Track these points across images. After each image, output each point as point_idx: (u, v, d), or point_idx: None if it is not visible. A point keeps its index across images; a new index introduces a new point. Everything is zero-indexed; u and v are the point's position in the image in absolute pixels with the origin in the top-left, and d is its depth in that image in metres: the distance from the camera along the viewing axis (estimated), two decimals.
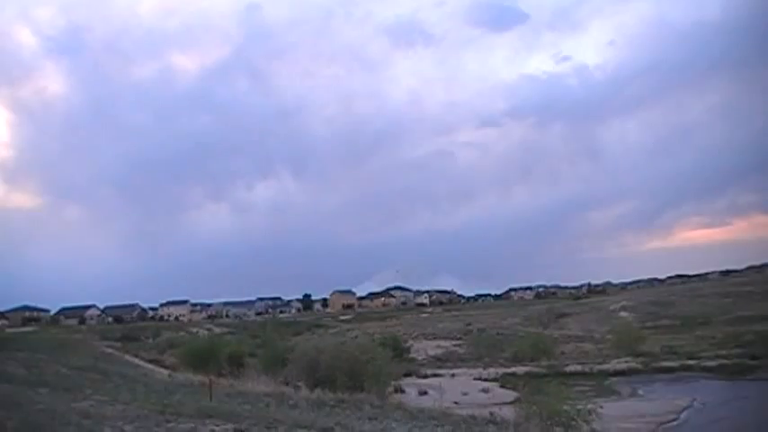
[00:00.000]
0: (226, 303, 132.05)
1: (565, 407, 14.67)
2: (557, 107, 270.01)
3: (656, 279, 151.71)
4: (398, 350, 37.47)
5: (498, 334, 57.11)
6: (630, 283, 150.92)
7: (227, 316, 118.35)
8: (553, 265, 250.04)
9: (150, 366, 30.34)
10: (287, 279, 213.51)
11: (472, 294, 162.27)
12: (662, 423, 19.17)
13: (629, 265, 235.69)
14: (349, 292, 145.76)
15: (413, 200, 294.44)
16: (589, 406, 15.10)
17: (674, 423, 20.01)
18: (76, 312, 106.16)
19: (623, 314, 69.84)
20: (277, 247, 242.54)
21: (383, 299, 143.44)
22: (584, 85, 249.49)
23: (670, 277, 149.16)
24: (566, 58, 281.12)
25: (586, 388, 27.52)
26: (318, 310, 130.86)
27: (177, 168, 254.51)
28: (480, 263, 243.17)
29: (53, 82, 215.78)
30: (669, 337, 47.22)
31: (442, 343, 55.45)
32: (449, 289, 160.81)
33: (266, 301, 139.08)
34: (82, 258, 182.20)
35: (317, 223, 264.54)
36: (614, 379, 31.87)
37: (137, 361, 33.12)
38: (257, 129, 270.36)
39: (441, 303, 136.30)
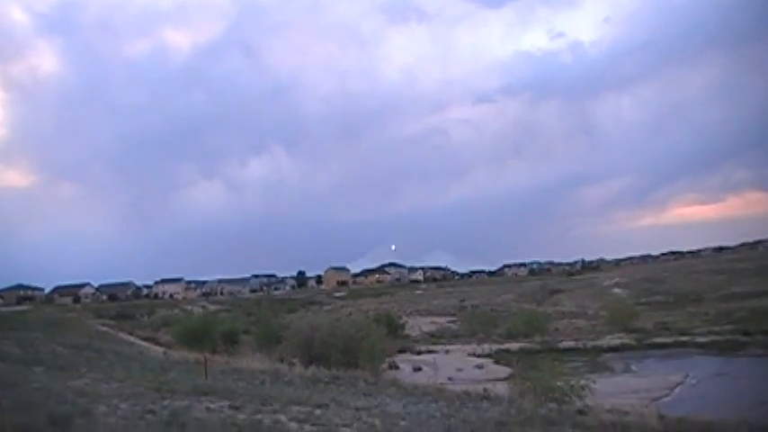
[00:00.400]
0: (220, 281, 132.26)
1: (558, 383, 14.85)
2: (551, 84, 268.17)
3: (649, 255, 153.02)
4: (393, 327, 37.67)
5: (492, 310, 57.58)
6: (624, 260, 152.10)
7: (221, 293, 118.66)
8: (547, 242, 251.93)
9: (145, 344, 30.48)
10: (281, 256, 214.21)
11: (466, 271, 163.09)
12: (655, 399, 19.45)
13: (622, 241, 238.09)
14: (343, 269, 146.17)
15: (407, 177, 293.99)
16: (582, 382, 15.28)
17: (667, 399, 20.29)
18: (71, 291, 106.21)
19: (617, 291, 70.50)
20: (271, 225, 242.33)
21: (377, 276, 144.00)
22: (578, 62, 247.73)
23: (663, 254, 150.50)
24: (560, 35, 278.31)
25: (580, 364, 27.89)
26: (313, 287, 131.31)
27: (171, 146, 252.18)
28: (474, 240, 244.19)
29: (46, 60, 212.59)
30: (662, 314, 47.75)
31: (437, 319, 55.92)
32: (443, 266, 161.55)
33: (261, 279, 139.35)
34: (76, 237, 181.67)
35: (310, 200, 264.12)
36: (607, 355, 32.28)
37: (131, 339, 33.27)
38: (251, 106, 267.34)
39: (435, 280, 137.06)
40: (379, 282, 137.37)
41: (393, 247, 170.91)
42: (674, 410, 13.42)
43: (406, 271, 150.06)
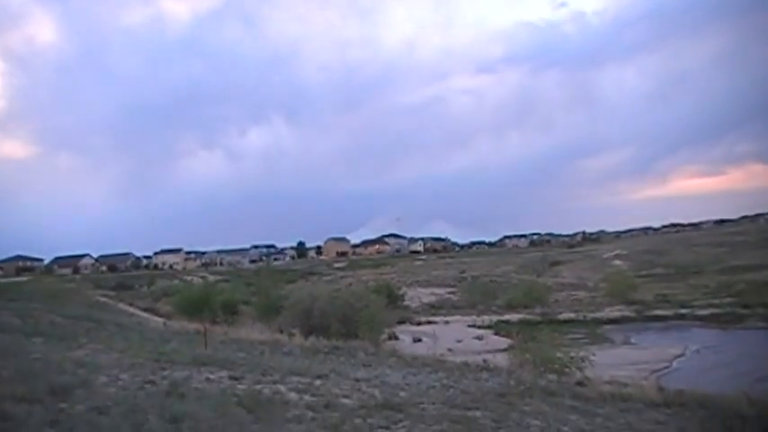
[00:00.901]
0: (220, 251, 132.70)
1: (558, 354, 14.94)
2: (553, 54, 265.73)
3: (650, 228, 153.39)
4: (392, 297, 37.94)
5: (492, 281, 57.87)
6: (625, 232, 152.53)
7: (221, 264, 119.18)
8: (548, 213, 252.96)
9: (145, 315, 30.74)
10: (281, 226, 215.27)
11: (466, 242, 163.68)
12: (654, 371, 19.65)
13: (623, 213, 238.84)
14: (343, 239, 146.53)
15: (407, 147, 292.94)
16: (582, 353, 15.39)
17: (667, 371, 20.47)
18: (70, 262, 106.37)
19: (617, 262, 70.82)
20: (271, 195, 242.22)
21: (377, 246, 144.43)
22: (581, 32, 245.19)
23: (665, 226, 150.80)
24: (563, 4, 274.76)
25: (579, 336, 28.14)
26: (312, 258, 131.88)
27: (170, 115, 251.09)
28: (475, 210, 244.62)
29: (43, 29, 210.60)
30: (662, 286, 48.01)
31: (436, 290, 56.26)
32: (443, 236, 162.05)
33: (260, 249, 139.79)
34: (75, 207, 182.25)
35: (310, 170, 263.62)
36: (607, 327, 32.55)
37: (131, 309, 33.53)
38: (250, 75, 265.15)
39: (435, 251, 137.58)
40: (378, 252, 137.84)
41: (397, 219, 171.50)
42: (674, 383, 13.58)
43: (406, 242, 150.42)
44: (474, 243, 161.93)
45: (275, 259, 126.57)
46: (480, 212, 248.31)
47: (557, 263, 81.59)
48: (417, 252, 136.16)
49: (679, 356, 23.33)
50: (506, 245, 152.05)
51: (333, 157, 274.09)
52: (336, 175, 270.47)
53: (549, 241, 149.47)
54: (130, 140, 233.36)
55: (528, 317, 35.50)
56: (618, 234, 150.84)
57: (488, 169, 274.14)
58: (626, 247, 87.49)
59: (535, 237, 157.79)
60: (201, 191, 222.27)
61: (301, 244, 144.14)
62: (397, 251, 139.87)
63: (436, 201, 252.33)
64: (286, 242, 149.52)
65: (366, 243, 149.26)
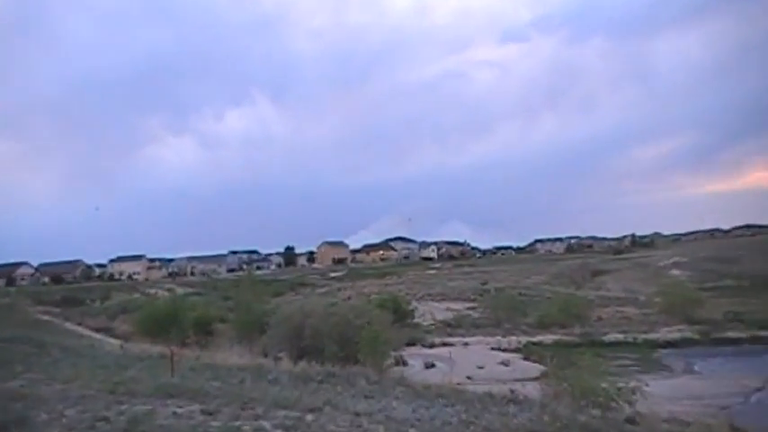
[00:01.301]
0: (191, 258, 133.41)
1: (602, 384, 14.82)
2: (596, 18, 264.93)
3: (717, 230, 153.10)
4: (400, 314, 37.88)
5: (521, 294, 57.74)
6: (685, 235, 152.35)
7: (192, 273, 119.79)
8: (588, 212, 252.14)
9: (98, 336, 30.81)
10: (266, 228, 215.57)
11: (489, 247, 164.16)
12: (724, 407, 19.23)
13: (683, 212, 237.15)
14: (340, 243, 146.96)
15: (418, 133, 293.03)
16: (632, 383, 15.25)
17: (741, 407, 19.92)
18: (4, 271, 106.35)
19: (675, 272, 70.57)
20: (253, 190, 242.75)
21: (381, 252, 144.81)
22: None
23: (736, 228, 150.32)
24: None
25: (629, 362, 27.96)
26: (304, 266, 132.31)
27: (130, 93, 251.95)
28: (499, 209, 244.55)
29: None
30: (733, 302, 47.57)
31: (453, 305, 56.13)
32: (461, 240, 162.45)
33: (240, 256, 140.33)
34: (10, 205, 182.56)
35: (302, 161, 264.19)
36: (664, 351, 32.29)
37: (81, 330, 33.62)
38: (229, 44, 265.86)
39: (451, 257, 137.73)
40: (383, 259, 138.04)
41: (409, 219, 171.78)
42: (751, 422, 13.31)
43: (417, 246, 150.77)
44: (498, 248, 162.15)
45: (258, 267, 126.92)
46: (506, 212, 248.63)
47: (600, 272, 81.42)
48: (430, 259, 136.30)
49: (758, 390, 22.92)
50: (538, 250, 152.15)
51: (329, 146, 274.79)
52: (333, 168, 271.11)
53: (590, 246, 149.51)
54: (80, 123, 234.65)
55: (565, 338, 35.35)
56: (676, 237, 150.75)
57: (516, 160, 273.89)
58: (686, 254, 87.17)
59: (573, 241, 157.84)
60: (169, 185, 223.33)
61: (290, 249, 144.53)
62: (406, 258, 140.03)
63: (453, 198, 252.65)
64: (272, 247, 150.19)
65: (368, 248, 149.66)
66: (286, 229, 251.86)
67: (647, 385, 15.74)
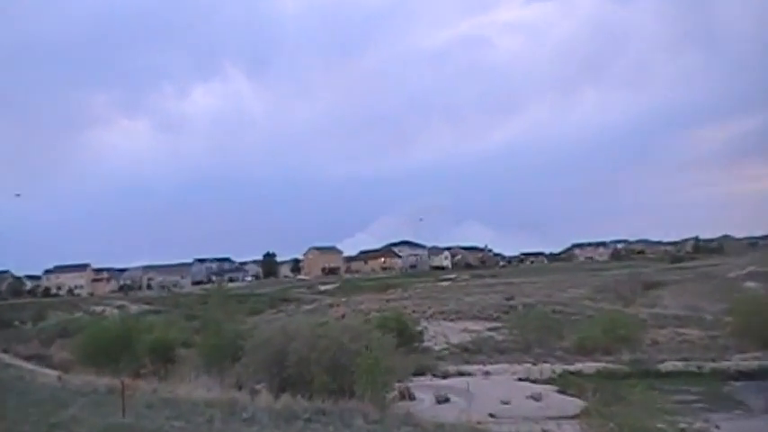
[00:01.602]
0: (147, 268, 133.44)
1: (659, 424, 14.69)
2: None
3: None
4: (406, 336, 37.81)
5: (555, 312, 57.65)
6: (763, 238, 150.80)
7: (149, 287, 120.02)
8: (639, 211, 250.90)
9: (29, 366, 30.66)
10: (240, 231, 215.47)
11: (515, 253, 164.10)
12: None
13: (759, 210, 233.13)
14: (332, 249, 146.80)
15: (427, 113, 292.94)
16: (698, 424, 15.12)
17: None
18: None
19: (750, 284, 70.29)
20: (225, 185, 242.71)
21: (383, 259, 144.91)
22: None
23: None
24: None
25: (692, 397, 27.71)
26: (287, 277, 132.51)
27: (71, 63, 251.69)
28: (528, 206, 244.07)
29: None
30: None
31: (472, 325, 56.18)
32: (480, 245, 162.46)
33: (209, 265, 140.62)
34: None
35: (284, 148, 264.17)
36: (737, 384, 32.03)
37: (7, 358, 33.48)
38: (194, 5, 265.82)
39: (468, 266, 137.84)
40: (385, 268, 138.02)
41: (420, 219, 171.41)
42: None
43: (426, 253, 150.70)
44: (527, 255, 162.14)
45: (231, 279, 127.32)
46: (536, 209, 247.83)
47: (654, 284, 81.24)
48: (442, 268, 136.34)
49: None
50: (576, 257, 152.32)
51: (318, 130, 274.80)
52: (323, 156, 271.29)
53: (641, 252, 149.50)
54: (7, 100, 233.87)
55: (610, 366, 35.16)
56: (752, 241, 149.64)
57: (548, 146, 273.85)
58: (764, 262, 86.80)
59: (620, 245, 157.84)
60: (119, 178, 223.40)
61: (270, 257, 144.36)
62: (413, 267, 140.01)
63: (470, 193, 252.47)
64: (247, 254, 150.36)
65: (367, 255, 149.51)
66: (265, 232, 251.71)
67: (717, 427, 15.64)
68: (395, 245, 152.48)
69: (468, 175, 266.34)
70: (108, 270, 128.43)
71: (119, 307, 67.67)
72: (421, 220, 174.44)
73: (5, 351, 36.78)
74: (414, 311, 58.72)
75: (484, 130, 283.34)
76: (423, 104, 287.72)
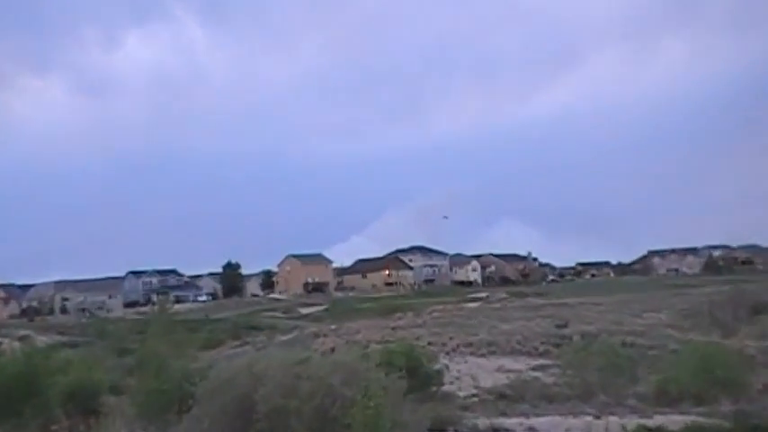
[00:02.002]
0: (61, 284, 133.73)
1: None
2: None
3: None
4: (419, 377, 37.67)
5: (626, 345, 57.61)
6: None
7: (63, 310, 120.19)
8: (744, 206, 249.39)
9: None
10: (190, 234, 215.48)
11: (570, 264, 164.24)
12: None
13: None
14: (317, 258, 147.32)
15: (448, 68, 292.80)
16: None
17: None
18: None
19: None
20: (170, 169, 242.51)
21: (387, 272, 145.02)
22: None
23: None
24: None
25: None
26: (256, 296, 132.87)
27: None
28: (586, 199, 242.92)
29: None
30: None
31: (510, 363, 56.11)
32: (522, 252, 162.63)
33: (147, 279, 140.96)
34: None
35: (251, 118, 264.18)
36: None
37: None
38: None
39: (505, 281, 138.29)
40: (390, 284, 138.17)
41: (444, 217, 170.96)
42: None
43: (446, 263, 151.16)
44: (585, 265, 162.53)
45: (179, 299, 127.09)
46: (599, 203, 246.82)
47: (766, 307, 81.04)
48: (469, 283, 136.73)
49: None
50: (654, 268, 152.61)
51: (298, 94, 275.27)
52: (305, 130, 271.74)
53: (747, 262, 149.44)
54: None
55: (705, 420, 35.15)
56: None
57: (616, 113, 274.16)
58: None
59: (717, 252, 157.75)
60: (23, 159, 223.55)
61: (232, 268, 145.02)
62: (429, 281, 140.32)
63: (507, 179, 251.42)
64: (201, 265, 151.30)
65: (365, 265, 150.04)
66: (226, 235, 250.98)
67: None
68: (403, 252, 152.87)
69: (505, 154, 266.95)
70: (6, 287, 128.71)
71: (21, 338, 67.76)
72: (445, 218, 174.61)
73: None
74: (430, 343, 58.70)
75: (527, 93, 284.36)
76: (443, 58, 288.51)
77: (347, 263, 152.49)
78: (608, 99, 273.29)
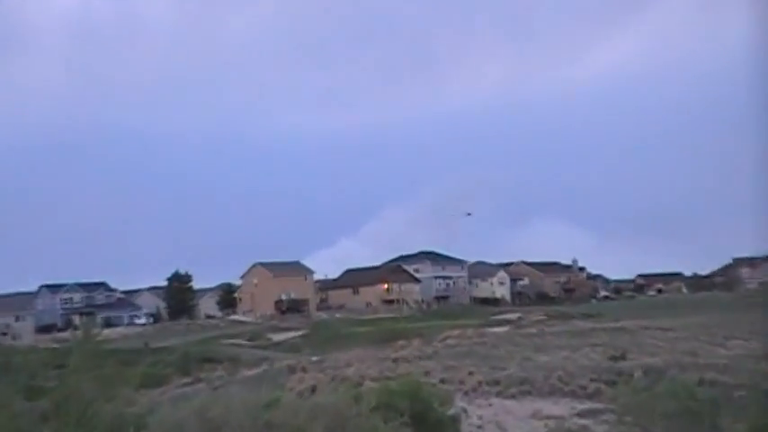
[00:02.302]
0: None
1: None
2: None
3: None
4: (428, 425, 37.75)
5: (704, 384, 57.64)
6: None
7: None
8: None
9: None
10: (124, 237, 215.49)
11: (629, 276, 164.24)
12: None
13: None
14: (294, 266, 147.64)
15: (467, 20, 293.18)
16: None
17: None
18: None
19: None
20: (96, 151, 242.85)
21: (385, 285, 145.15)
22: None
23: None
24: None
25: None
26: (212, 318, 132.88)
27: None
28: (650, 193, 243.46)
29: None
30: None
31: (548, 407, 56.02)
32: (565, 261, 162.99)
33: (67, 296, 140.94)
34: None
35: (207, 83, 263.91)
36: None
37: None
38: None
39: (543, 297, 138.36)
40: (390, 302, 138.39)
41: (468, 214, 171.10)
42: None
43: (465, 274, 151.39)
44: (647, 277, 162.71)
45: (110, 322, 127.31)
46: (666, 198, 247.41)
47: None
48: (495, 301, 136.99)
49: None
50: (740, 281, 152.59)
51: (268, 51, 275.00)
52: (278, 99, 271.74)
53: None
54: None
55: None
56: None
57: (689, 75, 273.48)
58: None
59: None
60: None
61: (180, 281, 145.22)
62: (442, 298, 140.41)
63: (544, 166, 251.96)
64: (139, 277, 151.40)
65: (356, 277, 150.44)
66: (172, 238, 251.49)
67: None
68: (408, 259, 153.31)
69: (542, 132, 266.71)
70: None
71: None
72: (469, 215, 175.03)
73: None
74: (443, 380, 58.54)
75: (573, 50, 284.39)
76: (461, 6, 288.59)
77: (333, 274, 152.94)
78: (676, 55, 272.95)
